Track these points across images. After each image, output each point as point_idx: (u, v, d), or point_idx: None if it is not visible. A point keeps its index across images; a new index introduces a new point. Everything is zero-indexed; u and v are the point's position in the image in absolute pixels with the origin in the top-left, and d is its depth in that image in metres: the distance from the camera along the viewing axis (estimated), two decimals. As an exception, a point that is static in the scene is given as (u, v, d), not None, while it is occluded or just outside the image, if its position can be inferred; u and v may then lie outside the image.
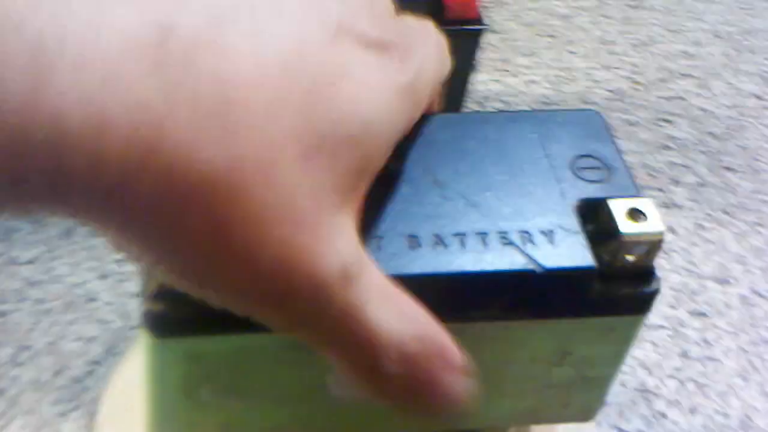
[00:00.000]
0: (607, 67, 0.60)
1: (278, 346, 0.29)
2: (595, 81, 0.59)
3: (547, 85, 0.57)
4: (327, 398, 0.30)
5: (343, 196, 0.22)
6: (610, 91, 0.58)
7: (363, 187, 0.24)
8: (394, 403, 0.24)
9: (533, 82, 0.57)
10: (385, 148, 0.24)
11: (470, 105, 0.51)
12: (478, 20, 0.45)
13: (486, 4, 0.43)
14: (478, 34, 0.45)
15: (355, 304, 0.23)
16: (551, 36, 0.62)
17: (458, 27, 0.44)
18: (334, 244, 0.22)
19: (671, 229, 0.48)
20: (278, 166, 0.20)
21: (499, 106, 0.55)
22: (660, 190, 0.50)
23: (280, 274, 0.21)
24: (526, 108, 0.54)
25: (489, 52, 0.59)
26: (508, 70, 0.58)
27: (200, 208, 0.20)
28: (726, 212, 0.50)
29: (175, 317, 0.27)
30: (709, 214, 0.50)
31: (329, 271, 0.22)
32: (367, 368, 0.23)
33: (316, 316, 0.22)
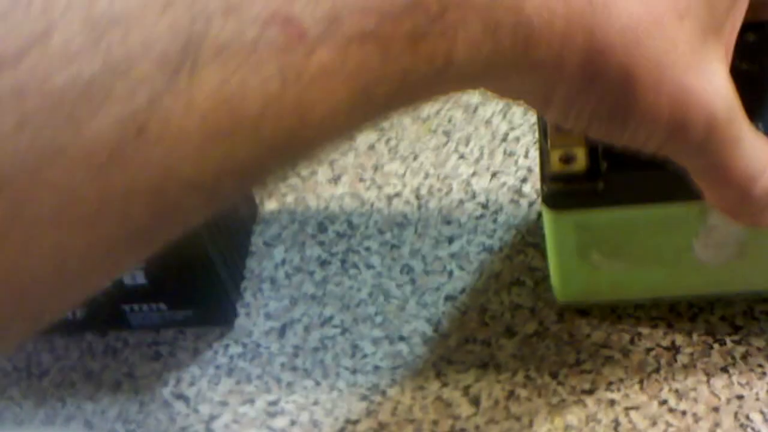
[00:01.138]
0: None
1: (652, 217, 0.35)
2: None
3: None
4: (693, 261, 0.36)
5: (716, 41, 0.26)
6: None
7: (732, 29, 0.27)
8: (757, 225, 0.29)
9: None
10: None
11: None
12: None
13: None
14: None
15: (734, 137, 0.26)
16: None
17: None
18: (718, 84, 0.25)
19: None
20: (665, 18, 0.24)
21: None
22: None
23: (678, 109, 0.25)
24: None
25: None
26: None
27: (614, 58, 0.24)
28: None
29: (568, 194, 0.35)
30: None
31: (717, 107, 0.25)
32: (739, 197, 0.27)
33: (705, 147, 0.26)
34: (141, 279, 0.42)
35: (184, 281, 0.42)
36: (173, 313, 0.43)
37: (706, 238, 0.35)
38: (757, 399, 0.37)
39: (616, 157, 0.33)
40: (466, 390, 0.39)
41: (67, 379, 0.44)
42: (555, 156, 0.35)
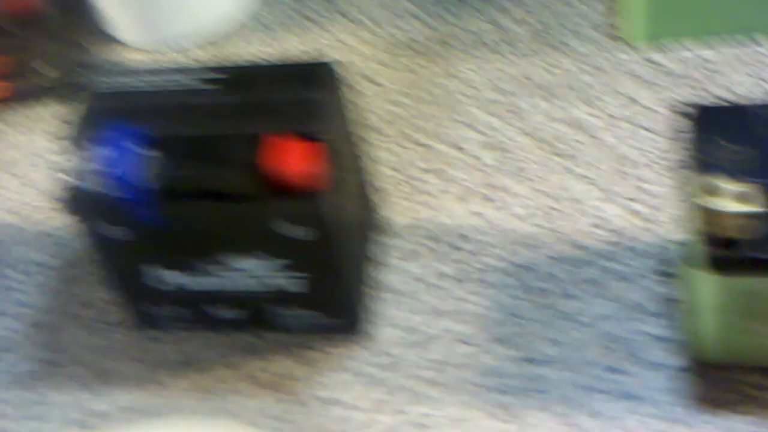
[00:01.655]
0: None
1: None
2: None
3: None
4: None
5: None
6: None
7: None
8: None
9: None
10: None
11: None
12: (313, 191, 0.40)
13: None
14: (314, 205, 0.40)
15: None
16: None
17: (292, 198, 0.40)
18: None
19: None
20: None
21: None
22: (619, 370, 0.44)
23: None
24: None
25: None
26: None
27: None
28: None
29: (740, 260, 0.37)
30: None
31: None
32: None
33: None
34: (301, 287, 0.44)
35: (338, 291, 0.45)
36: (324, 321, 0.46)
37: None
38: None
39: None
40: (592, 414, 0.42)
41: (230, 377, 0.47)
42: (729, 220, 0.37)
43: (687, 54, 0.55)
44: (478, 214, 0.50)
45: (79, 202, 0.42)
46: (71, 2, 0.67)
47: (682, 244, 0.46)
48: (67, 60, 0.64)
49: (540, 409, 0.43)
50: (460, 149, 0.54)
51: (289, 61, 0.44)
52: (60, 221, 0.55)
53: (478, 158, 0.53)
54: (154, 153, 0.41)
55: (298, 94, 0.41)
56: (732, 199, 0.37)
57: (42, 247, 0.55)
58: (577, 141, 0.53)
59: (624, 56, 0.56)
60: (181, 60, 0.64)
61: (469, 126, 0.55)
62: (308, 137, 0.40)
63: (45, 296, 0.52)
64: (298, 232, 0.41)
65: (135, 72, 0.45)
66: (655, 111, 0.53)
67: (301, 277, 0.44)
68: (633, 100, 0.54)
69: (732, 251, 0.37)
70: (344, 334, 0.47)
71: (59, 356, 0.49)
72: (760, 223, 0.37)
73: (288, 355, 0.47)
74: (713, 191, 0.38)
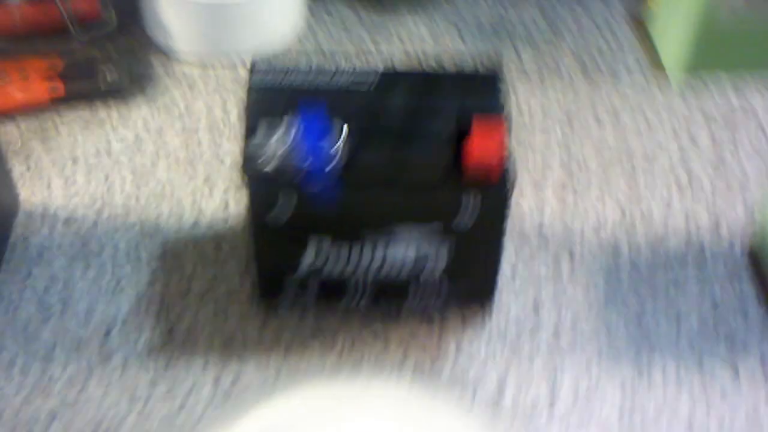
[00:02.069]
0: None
1: None
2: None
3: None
4: None
5: None
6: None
7: None
8: None
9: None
10: None
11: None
12: (501, 184, 0.44)
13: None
14: (500, 197, 0.44)
15: None
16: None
17: (478, 190, 0.43)
18: None
19: None
20: None
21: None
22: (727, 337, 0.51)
23: None
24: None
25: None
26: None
27: None
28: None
29: None
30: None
31: None
32: None
33: None
34: (448, 261, 0.47)
35: (484, 266, 0.48)
36: (460, 292, 0.49)
37: None
38: None
39: None
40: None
41: (362, 341, 0.49)
42: None
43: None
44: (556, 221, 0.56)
45: (259, 182, 0.44)
46: (130, 12, 0.68)
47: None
48: (123, 66, 0.65)
49: (667, 360, 0.48)
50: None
51: (452, 69, 0.48)
52: (139, 213, 0.56)
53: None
54: (336, 139, 0.44)
55: (474, 97, 0.46)
56: None
57: (138, 233, 0.55)
58: (633, 152, 0.59)
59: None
60: (231, 75, 0.66)
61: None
62: (489, 134, 0.44)
63: (158, 279, 0.53)
64: (471, 216, 0.45)
65: (294, 71, 0.47)
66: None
67: (449, 252, 0.47)
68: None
69: None
70: (475, 304, 0.50)
71: (189, 328, 0.50)
72: None
73: (424, 324, 0.50)
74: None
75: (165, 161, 0.60)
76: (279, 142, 0.44)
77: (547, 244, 0.54)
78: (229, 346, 0.50)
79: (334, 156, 0.43)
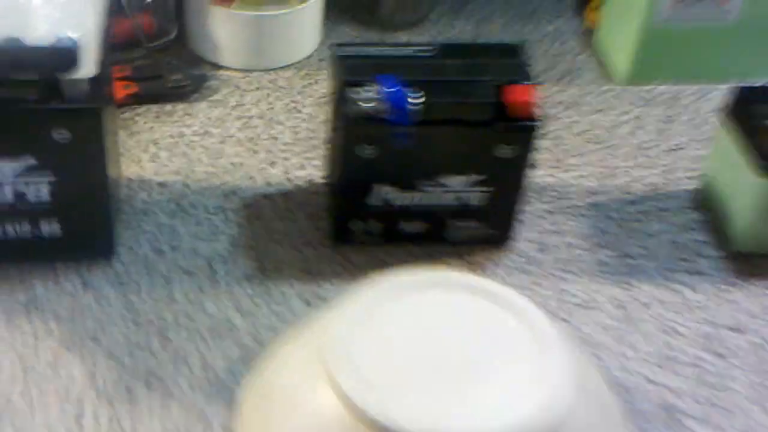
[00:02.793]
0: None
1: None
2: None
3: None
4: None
5: None
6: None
7: None
8: None
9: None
10: None
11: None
12: (534, 118, 0.59)
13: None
14: (533, 128, 0.59)
15: None
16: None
17: (518, 123, 0.59)
18: None
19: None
20: None
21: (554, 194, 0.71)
22: (685, 260, 0.66)
23: None
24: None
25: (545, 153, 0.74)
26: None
27: None
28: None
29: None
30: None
31: None
32: None
33: None
34: (482, 201, 0.62)
35: (511, 205, 0.64)
36: (488, 232, 0.64)
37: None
38: None
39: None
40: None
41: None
42: None
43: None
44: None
45: (353, 123, 0.58)
46: (185, 29, 0.82)
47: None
48: (183, 70, 0.78)
49: (642, 281, 0.64)
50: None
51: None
52: (218, 180, 0.69)
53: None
54: (411, 92, 0.59)
55: (506, 60, 0.62)
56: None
57: (221, 194, 0.68)
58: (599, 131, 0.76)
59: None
60: (269, 78, 0.80)
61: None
62: (524, 84, 0.60)
63: (243, 226, 0.66)
64: (508, 151, 0.60)
65: (371, 44, 0.62)
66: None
67: (486, 192, 0.62)
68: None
69: None
70: (499, 243, 0.65)
71: (275, 263, 0.63)
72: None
73: (459, 258, 0.65)
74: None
75: (230, 142, 0.73)
76: (366, 97, 0.58)
77: (543, 200, 0.70)
78: (309, 274, 0.63)
79: (410, 108, 0.58)
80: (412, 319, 0.50)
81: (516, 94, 0.59)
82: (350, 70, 0.61)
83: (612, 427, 0.52)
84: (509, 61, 0.62)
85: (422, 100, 0.58)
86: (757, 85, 0.68)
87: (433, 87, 0.59)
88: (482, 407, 0.46)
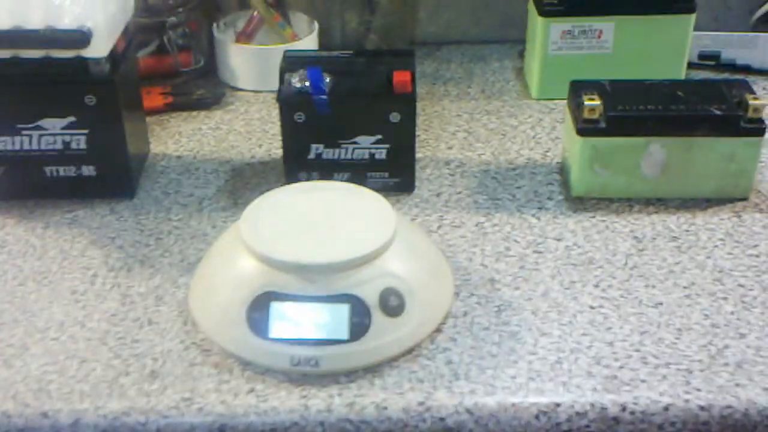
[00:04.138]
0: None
1: (624, 144, 0.85)
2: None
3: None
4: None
5: None
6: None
7: None
8: None
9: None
10: None
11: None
12: (411, 94, 0.83)
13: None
14: (412, 100, 0.84)
15: None
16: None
17: (400, 96, 0.83)
18: None
19: None
20: None
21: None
22: (537, 202, 0.87)
23: None
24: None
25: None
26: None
27: None
28: None
29: (591, 129, 0.84)
30: None
31: None
32: None
33: None
34: (384, 156, 0.88)
35: (408, 159, 0.89)
36: (394, 181, 0.89)
37: (647, 160, 0.86)
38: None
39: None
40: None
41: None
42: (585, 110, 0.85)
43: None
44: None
45: (287, 98, 0.85)
46: (211, 60, 1.12)
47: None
48: (207, 88, 1.08)
49: (501, 213, 0.87)
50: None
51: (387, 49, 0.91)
52: (220, 155, 0.97)
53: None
54: (326, 77, 0.85)
55: (400, 59, 0.88)
56: (588, 102, 0.85)
57: (218, 163, 0.96)
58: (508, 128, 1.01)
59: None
60: (272, 96, 1.09)
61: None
62: (405, 71, 0.86)
63: (230, 179, 0.93)
64: (396, 116, 0.85)
65: (312, 50, 0.90)
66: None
67: (387, 148, 0.87)
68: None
69: (589, 124, 0.85)
70: (405, 191, 0.90)
71: (242, 202, 0.90)
72: (601, 112, 0.85)
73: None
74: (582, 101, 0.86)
75: (233, 134, 1.02)
76: (297, 83, 0.86)
77: (449, 168, 0.95)
78: None
79: (324, 85, 0.85)
80: (303, 205, 0.76)
81: (399, 77, 0.85)
82: (290, 64, 0.88)
83: (436, 277, 0.75)
84: (402, 61, 0.89)
85: (332, 82, 0.85)
86: (587, 79, 0.91)
87: (343, 73, 0.86)
88: (331, 247, 0.71)
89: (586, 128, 0.85)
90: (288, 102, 0.86)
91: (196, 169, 0.96)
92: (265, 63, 1.08)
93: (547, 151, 0.97)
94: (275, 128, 1.02)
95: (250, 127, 1.03)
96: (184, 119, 1.05)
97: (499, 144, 0.99)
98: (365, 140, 0.87)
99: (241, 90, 1.10)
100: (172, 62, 1.10)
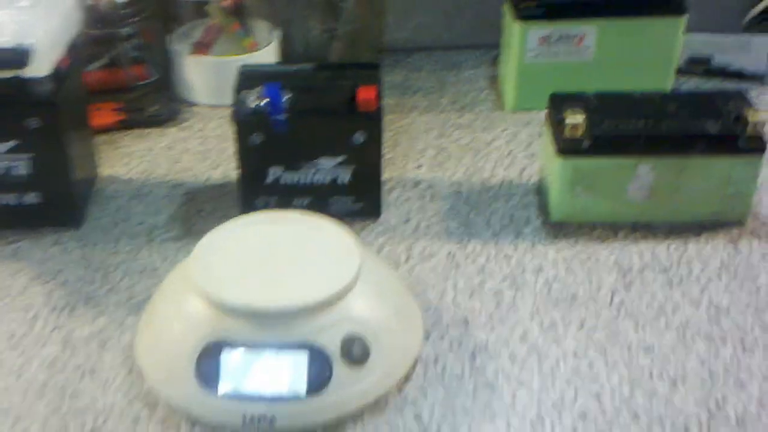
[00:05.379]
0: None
1: (610, 166, 0.78)
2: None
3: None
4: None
5: None
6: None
7: None
8: None
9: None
10: None
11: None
12: (377, 112, 0.76)
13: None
14: (377, 119, 0.77)
15: None
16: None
17: (365, 114, 0.76)
18: None
19: None
20: None
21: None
22: (514, 228, 0.78)
23: None
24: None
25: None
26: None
27: None
28: None
29: (573, 149, 0.77)
30: None
31: None
32: None
33: None
34: (349, 179, 0.80)
35: (373, 183, 0.81)
36: (358, 206, 0.82)
37: (634, 183, 0.79)
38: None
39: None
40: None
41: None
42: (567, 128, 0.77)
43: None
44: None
45: (243, 117, 0.78)
46: (166, 73, 1.04)
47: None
48: (161, 105, 1.00)
49: (475, 241, 0.80)
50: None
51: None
52: (172, 177, 0.89)
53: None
54: (285, 94, 0.78)
55: (365, 72, 0.81)
56: (570, 118, 0.78)
57: (171, 186, 0.88)
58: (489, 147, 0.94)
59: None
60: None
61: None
62: (371, 87, 0.78)
63: (183, 204, 0.85)
64: (361, 136, 0.78)
65: (270, 65, 0.82)
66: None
67: (351, 170, 0.80)
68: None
69: (571, 144, 0.78)
70: (371, 216, 0.82)
71: (195, 231, 0.82)
72: (585, 130, 0.77)
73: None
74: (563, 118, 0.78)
75: (188, 154, 0.94)
76: (254, 100, 0.78)
77: (418, 190, 0.87)
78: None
79: (282, 102, 0.77)
80: (259, 239, 0.68)
81: (364, 93, 0.78)
82: (245, 80, 0.81)
83: (404, 319, 0.68)
84: (367, 75, 0.81)
85: (291, 98, 0.78)
86: (566, 92, 0.84)
87: (304, 89, 0.79)
88: (289, 289, 0.63)
89: (567, 148, 0.78)
90: (243, 122, 0.78)
91: (147, 193, 0.88)
92: (223, 75, 1.00)
93: (523, 170, 0.90)
94: (232, 147, 0.94)
95: (205, 146, 0.95)
96: (136, 138, 0.97)
97: (472, 162, 0.91)
98: (327, 162, 0.80)
99: (197, 105, 1.02)
100: (125, 76, 1.01)
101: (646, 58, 0.95)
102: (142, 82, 1.02)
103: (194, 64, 1.01)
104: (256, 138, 0.79)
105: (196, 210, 0.85)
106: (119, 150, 0.95)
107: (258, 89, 0.79)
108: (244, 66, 0.84)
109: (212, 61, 1.01)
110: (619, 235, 0.80)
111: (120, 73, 1.01)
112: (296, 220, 0.71)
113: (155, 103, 1.00)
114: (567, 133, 0.78)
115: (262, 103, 0.78)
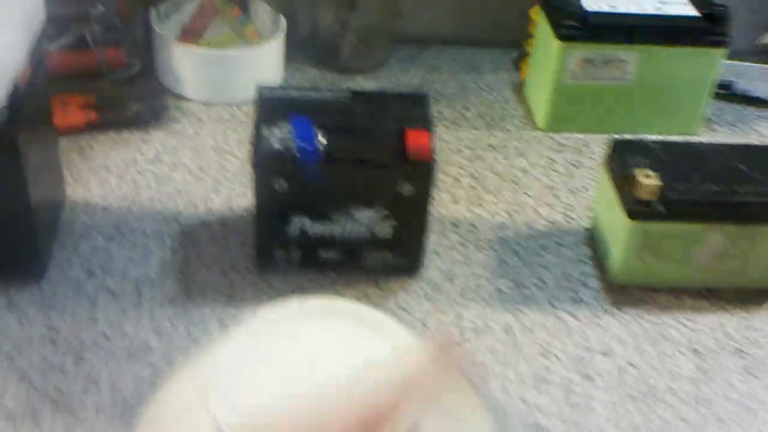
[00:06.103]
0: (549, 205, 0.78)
1: (682, 231, 0.66)
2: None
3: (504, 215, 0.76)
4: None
5: None
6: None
7: None
8: None
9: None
10: None
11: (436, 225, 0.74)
12: (430, 160, 0.63)
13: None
14: (430, 170, 0.63)
15: None
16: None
17: (416, 164, 0.63)
18: None
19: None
20: None
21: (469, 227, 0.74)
22: (571, 290, 0.70)
23: None
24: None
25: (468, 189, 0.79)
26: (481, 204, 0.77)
27: None
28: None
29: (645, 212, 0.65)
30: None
31: None
32: None
33: None
34: (389, 234, 0.67)
35: (417, 238, 0.68)
36: (397, 262, 0.69)
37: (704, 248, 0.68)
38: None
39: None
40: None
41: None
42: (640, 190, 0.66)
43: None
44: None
45: (265, 161, 0.63)
46: (150, 59, 0.87)
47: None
48: (144, 101, 0.83)
49: (532, 309, 0.68)
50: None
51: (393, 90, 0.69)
52: (161, 206, 0.74)
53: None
54: (320, 133, 0.63)
55: (411, 107, 0.66)
56: (642, 178, 0.66)
57: (161, 220, 0.73)
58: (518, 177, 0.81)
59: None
60: (229, 112, 0.85)
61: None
62: (422, 129, 0.64)
63: (177, 251, 0.70)
64: (409, 189, 0.64)
65: (295, 87, 0.67)
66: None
67: (393, 226, 0.66)
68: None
69: (643, 207, 0.66)
70: (410, 272, 0.69)
71: (201, 286, 0.68)
72: (658, 193, 0.66)
73: (374, 286, 0.69)
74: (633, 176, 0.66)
75: (180, 171, 0.78)
76: (278, 139, 0.63)
77: (459, 233, 0.74)
78: (231, 298, 0.66)
79: (317, 147, 0.63)
80: (291, 348, 0.52)
81: (415, 138, 0.63)
82: (268, 110, 0.66)
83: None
84: (413, 109, 0.67)
85: (327, 141, 0.63)
86: (631, 138, 0.73)
87: (341, 129, 0.64)
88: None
89: (639, 212, 0.67)
90: (265, 166, 0.64)
91: (131, 230, 0.72)
92: (220, 69, 0.85)
93: (568, 211, 0.78)
94: (235, 162, 0.79)
95: (202, 159, 0.80)
96: (113, 144, 0.80)
97: (513, 196, 0.79)
98: (366, 215, 0.66)
99: (188, 100, 0.86)
100: (96, 59, 0.84)
101: (682, 85, 0.88)
102: (117, 69, 0.85)
103: (184, 54, 0.85)
104: (280, 184, 0.64)
105: (196, 254, 0.70)
106: (91, 161, 0.78)
107: (283, 124, 0.64)
108: (262, 88, 0.68)
109: (208, 55, 0.85)
110: (686, 304, 0.70)
111: (90, 56, 0.84)
112: (339, 312, 0.54)
113: (136, 98, 0.83)
114: (639, 194, 0.66)
115: (286, 141, 0.63)
